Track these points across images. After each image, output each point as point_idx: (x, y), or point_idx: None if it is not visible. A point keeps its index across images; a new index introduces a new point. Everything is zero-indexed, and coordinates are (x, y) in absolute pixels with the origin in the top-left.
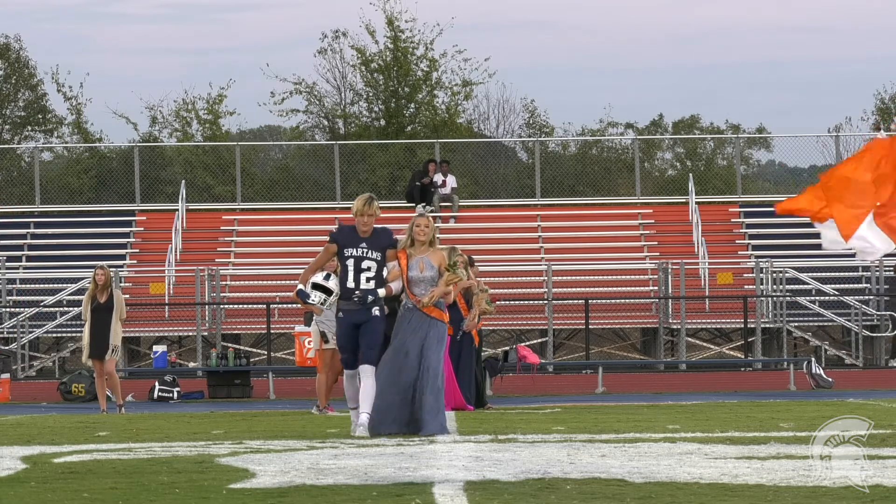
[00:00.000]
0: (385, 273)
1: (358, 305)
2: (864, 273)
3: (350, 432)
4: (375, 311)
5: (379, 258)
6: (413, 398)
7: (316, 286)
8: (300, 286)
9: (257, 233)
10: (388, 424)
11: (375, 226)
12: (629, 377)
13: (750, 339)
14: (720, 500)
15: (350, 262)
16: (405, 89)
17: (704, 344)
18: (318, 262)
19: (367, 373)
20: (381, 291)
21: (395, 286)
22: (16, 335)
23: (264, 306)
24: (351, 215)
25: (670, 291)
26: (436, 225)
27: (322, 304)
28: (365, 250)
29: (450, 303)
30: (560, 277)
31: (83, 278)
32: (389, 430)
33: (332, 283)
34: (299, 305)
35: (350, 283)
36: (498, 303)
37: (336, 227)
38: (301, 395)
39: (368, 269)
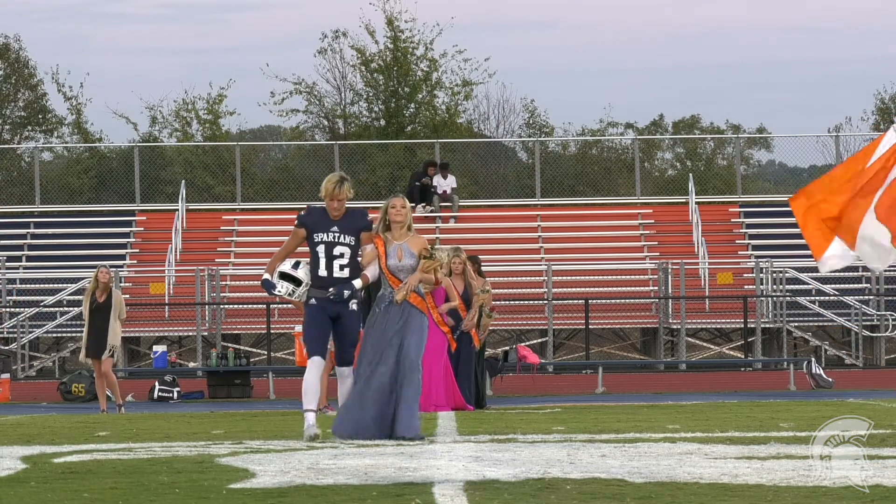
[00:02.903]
0: (359, 258)
1: (333, 300)
2: (865, 273)
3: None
4: (353, 304)
5: (353, 243)
6: (391, 398)
7: (283, 276)
8: (265, 276)
9: (257, 233)
10: (365, 431)
11: (349, 206)
12: (629, 377)
13: (750, 339)
14: (720, 500)
15: (321, 249)
16: (405, 89)
17: (704, 344)
18: (286, 250)
19: (345, 374)
20: (357, 283)
21: (371, 272)
22: (16, 335)
23: (264, 306)
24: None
25: (670, 291)
26: (433, 221)
27: (290, 294)
28: (337, 234)
29: (433, 290)
30: (560, 277)
31: (83, 278)
32: (366, 437)
33: (302, 273)
34: (294, 305)
35: (322, 272)
36: (498, 303)
37: (305, 209)
38: (301, 395)
39: (341, 255)
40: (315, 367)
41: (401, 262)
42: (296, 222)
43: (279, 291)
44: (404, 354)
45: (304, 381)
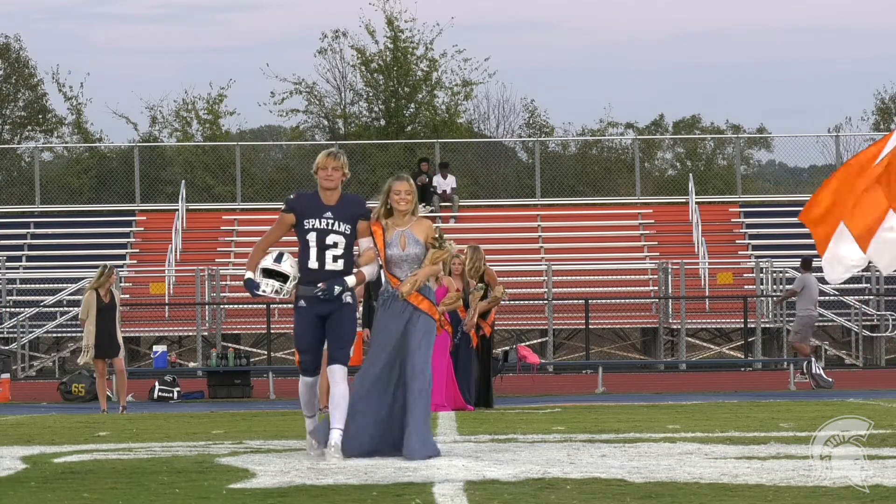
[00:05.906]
0: (356, 252)
1: (323, 297)
2: (864, 273)
3: (308, 449)
4: (347, 297)
5: (348, 231)
6: (395, 411)
7: (267, 272)
8: (248, 274)
9: (257, 233)
10: (365, 445)
11: (345, 193)
12: (629, 377)
13: (750, 339)
14: (720, 500)
15: (311, 237)
16: (405, 89)
17: (704, 344)
18: (270, 239)
19: (337, 376)
20: (351, 280)
21: (369, 271)
22: (16, 335)
23: (264, 306)
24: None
25: (670, 291)
26: (433, 221)
27: (277, 293)
28: (330, 221)
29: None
30: (560, 277)
31: (83, 278)
32: (365, 452)
33: (287, 266)
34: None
35: (312, 263)
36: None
37: (294, 194)
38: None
39: (335, 244)
40: (308, 385)
41: (404, 251)
42: (283, 207)
43: (264, 291)
44: (409, 362)
45: (301, 395)
